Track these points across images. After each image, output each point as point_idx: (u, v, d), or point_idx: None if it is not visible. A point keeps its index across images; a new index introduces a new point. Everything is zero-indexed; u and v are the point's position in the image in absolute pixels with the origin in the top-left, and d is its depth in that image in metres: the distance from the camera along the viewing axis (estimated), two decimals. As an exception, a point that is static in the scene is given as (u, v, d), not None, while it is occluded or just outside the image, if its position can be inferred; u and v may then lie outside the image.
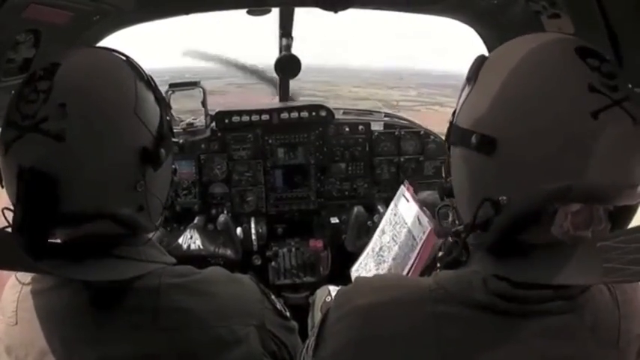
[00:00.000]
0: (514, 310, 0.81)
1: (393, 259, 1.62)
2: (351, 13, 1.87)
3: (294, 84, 2.93)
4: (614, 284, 0.89)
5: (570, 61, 0.79)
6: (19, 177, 0.83)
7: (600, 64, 0.78)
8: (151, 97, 1.00)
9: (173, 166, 1.11)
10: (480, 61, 0.90)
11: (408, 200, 1.65)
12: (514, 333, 0.81)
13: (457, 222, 0.97)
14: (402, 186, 1.73)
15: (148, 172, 0.94)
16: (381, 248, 1.72)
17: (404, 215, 1.65)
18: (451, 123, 0.94)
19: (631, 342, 0.89)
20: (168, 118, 1.05)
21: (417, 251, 1.49)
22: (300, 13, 2.51)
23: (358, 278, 1.00)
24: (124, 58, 1.00)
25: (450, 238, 1.02)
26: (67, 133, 0.84)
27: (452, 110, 0.97)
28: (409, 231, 1.58)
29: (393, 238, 1.67)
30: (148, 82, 1.01)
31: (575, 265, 0.75)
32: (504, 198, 0.79)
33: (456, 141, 0.90)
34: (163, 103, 1.05)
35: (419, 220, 1.54)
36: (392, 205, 1.77)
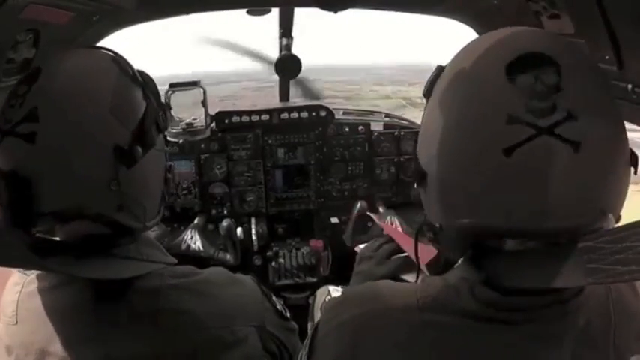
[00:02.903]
0: (504, 318, 0.78)
1: None
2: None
3: (315, 84, 2.92)
4: (612, 287, 0.87)
5: (496, 86, 0.70)
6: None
7: (536, 80, 0.68)
8: (135, 92, 0.98)
9: (169, 164, 1.09)
10: (437, 72, 0.84)
11: None
12: (505, 341, 0.79)
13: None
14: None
15: (122, 171, 0.92)
16: None
17: None
18: None
19: (626, 346, 0.86)
20: (160, 113, 1.03)
21: None
22: (312, 16, 2.49)
23: (346, 290, 0.99)
24: (113, 54, 0.99)
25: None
26: (37, 135, 0.85)
27: None
28: None
29: None
30: (134, 77, 1.00)
31: (562, 268, 0.70)
32: (438, 226, 0.82)
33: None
34: (155, 97, 1.03)
35: None
36: None
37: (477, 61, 0.76)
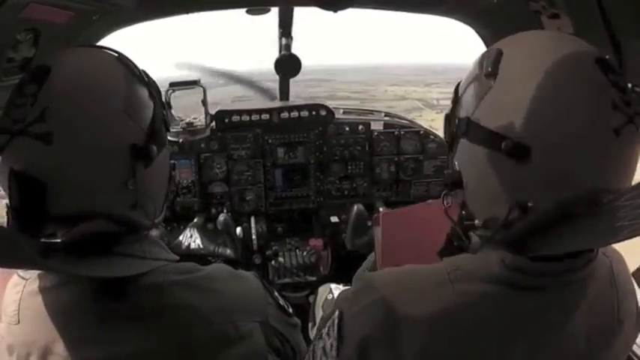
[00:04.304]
0: (532, 284, 0.84)
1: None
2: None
3: (328, 86, 2.92)
4: (612, 259, 0.95)
5: (595, 76, 0.81)
6: (10, 181, 0.84)
7: (617, 79, 0.81)
8: (143, 92, 0.99)
9: (172, 162, 1.10)
10: (498, 55, 0.88)
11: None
12: (532, 306, 0.85)
13: (464, 214, 0.97)
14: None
15: (139, 169, 0.93)
16: None
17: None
18: (452, 114, 0.97)
19: (627, 317, 0.95)
20: (164, 112, 1.04)
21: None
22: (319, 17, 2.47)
23: (369, 274, 1.01)
24: (116, 54, 0.99)
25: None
26: (53, 135, 0.84)
27: None
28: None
29: None
30: (141, 77, 1.00)
31: (586, 232, 0.78)
32: (531, 203, 0.82)
33: (479, 141, 0.88)
34: (159, 97, 1.04)
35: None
36: None
37: (567, 50, 0.84)
